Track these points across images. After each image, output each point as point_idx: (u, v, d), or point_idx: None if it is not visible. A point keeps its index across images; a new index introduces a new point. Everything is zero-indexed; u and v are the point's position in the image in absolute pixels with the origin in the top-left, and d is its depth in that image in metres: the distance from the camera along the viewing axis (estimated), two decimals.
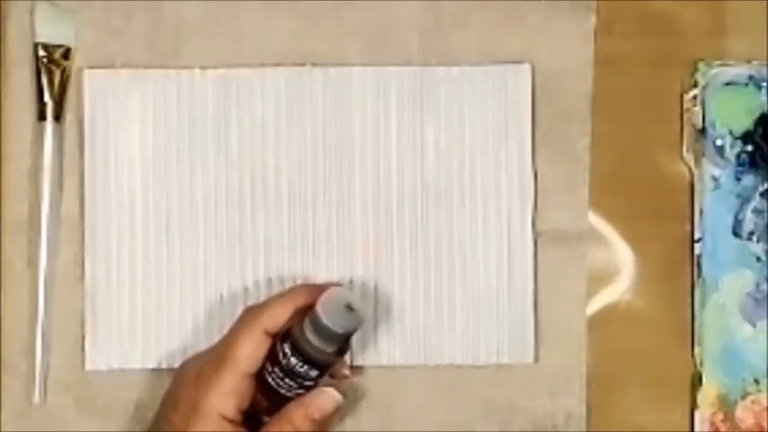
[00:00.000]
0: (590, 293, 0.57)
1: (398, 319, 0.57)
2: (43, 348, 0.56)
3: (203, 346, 0.54)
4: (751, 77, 0.57)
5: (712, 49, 0.57)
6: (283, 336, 0.51)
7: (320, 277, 0.56)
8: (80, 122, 0.57)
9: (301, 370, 0.50)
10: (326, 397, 0.51)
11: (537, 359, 0.57)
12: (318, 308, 0.49)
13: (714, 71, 0.57)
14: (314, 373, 0.50)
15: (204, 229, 0.57)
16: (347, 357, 0.55)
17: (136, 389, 0.56)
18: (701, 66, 0.57)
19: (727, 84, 0.57)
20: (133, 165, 0.57)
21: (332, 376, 0.53)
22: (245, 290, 0.56)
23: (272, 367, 0.50)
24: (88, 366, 0.56)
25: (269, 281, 0.56)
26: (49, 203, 0.56)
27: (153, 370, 0.56)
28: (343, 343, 0.50)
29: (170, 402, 0.52)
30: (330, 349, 0.50)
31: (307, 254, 0.57)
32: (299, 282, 0.56)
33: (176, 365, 0.55)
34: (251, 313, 0.52)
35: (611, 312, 0.57)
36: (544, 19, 0.57)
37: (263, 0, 0.57)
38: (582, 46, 0.57)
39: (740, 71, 0.57)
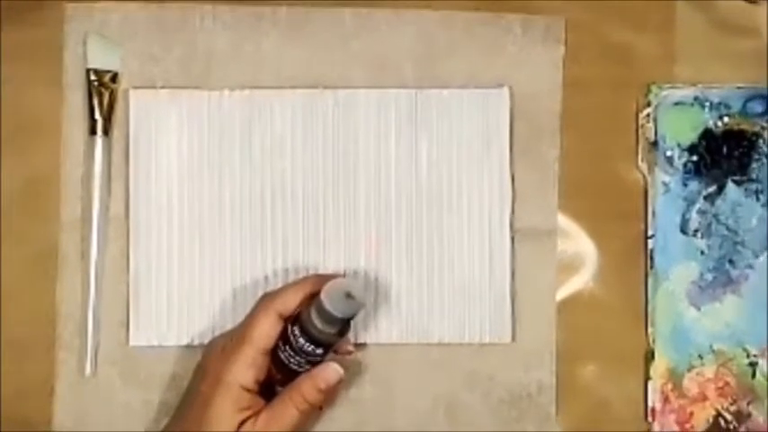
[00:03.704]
0: (559, 282, 0.60)
1: (395, 303, 0.59)
2: (94, 328, 0.59)
3: (229, 326, 0.58)
4: (696, 98, 0.60)
5: (663, 74, 0.60)
6: (293, 319, 0.53)
7: (329, 268, 0.59)
8: (126, 136, 0.59)
9: (308, 348, 0.53)
10: (331, 370, 0.54)
11: (514, 338, 0.59)
12: (322, 295, 0.52)
13: (665, 93, 0.60)
14: (319, 351, 0.53)
15: (231, 227, 0.59)
16: (351, 336, 0.57)
17: (172, 362, 0.59)
18: (654, 88, 0.60)
19: (676, 104, 0.60)
20: (171, 172, 0.59)
21: (337, 352, 0.55)
22: (265, 278, 0.59)
23: (284, 346, 0.53)
24: (132, 343, 0.59)
25: (285, 271, 0.59)
26: (99, 205, 0.59)
27: (186, 346, 0.59)
28: (343, 326, 0.53)
29: (199, 374, 0.55)
30: (332, 331, 0.53)
31: (318, 248, 0.59)
32: (311, 272, 0.59)
33: (206, 342, 0.58)
34: (267, 299, 0.55)
35: (577, 298, 0.60)
36: (520, 49, 0.60)
37: (282, 33, 0.60)
38: (552, 72, 0.60)
39: (687, 93, 0.60)
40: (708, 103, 0.60)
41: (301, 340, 0.53)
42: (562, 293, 0.60)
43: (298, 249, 0.60)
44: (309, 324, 0.53)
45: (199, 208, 0.60)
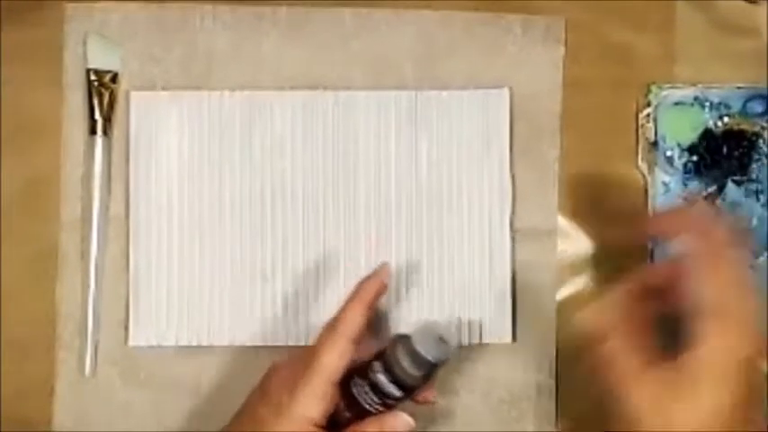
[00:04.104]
0: (559, 282, 0.60)
1: (395, 303, 0.59)
2: (93, 328, 0.59)
3: (227, 327, 0.59)
4: (696, 98, 0.60)
5: (663, 74, 0.60)
6: (377, 354, 0.52)
7: (329, 268, 0.59)
8: (126, 136, 0.60)
9: (388, 389, 0.51)
10: (401, 421, 0.51)
11: (514, 339, 0.59)
12: (414, 336, 0.51)
13: (665, 93, 0.60)
14: (398, 393, 0.51)
15: (230, 227, 0.59)
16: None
17: (172, 362, 0.59)
18: (654, 88, 0.60)
19: (676, 104, 0.60)
20: (171, 172, 0.59)
21: (416, 400, 0.54)
22: (265, 279, 0.59)
23: (361, 380, 0.51)
24: (131, 343, 0.59)
25: (286, 272, 0.59)
26: (99, 205, 0.59)
27: (185, 346, 0.59)
28: (430, 370, 0.51)
29: (261, 398, 0.52)
30: (418, 374, 0.51)
31: (318, 247, 0.59)
32: (310, 273, 0.59)
33: (204, 343, 0.59)
34: (329, 325, 0.52)
35: (577, 298, 0.60)
36: (520, 50, 0.60)
37: (282, 33, 0.60)
38: (552, 72, 0.60)
39: (687, 93, 0.60)
40: (708, 103, 0.61)
41: (382, 378, 0.51)
42: (562, 293, 0.60)
43: (298, 249, 0.60)
44: (395, 362, 0.51)
45: (199, 208, 0.60)
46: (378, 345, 0.53)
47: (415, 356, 0.51)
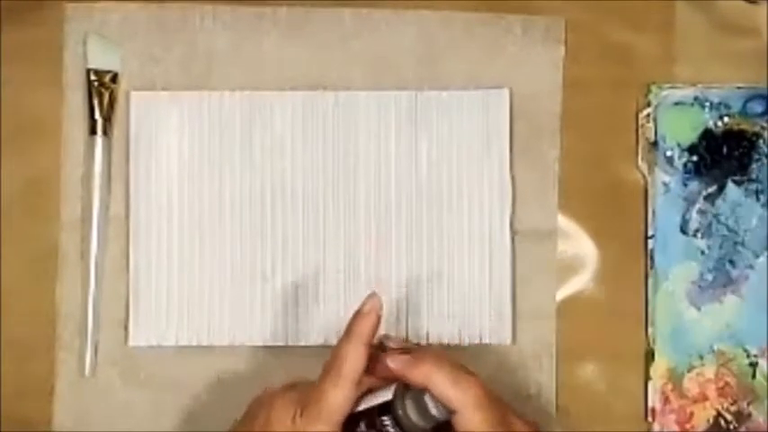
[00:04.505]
0: (559, 283, 0.60)
1: (395, 303, 0.59)
2: (93, 328, 0.59)
3: (227, 327, 0.59)
4: (696, 98, 0.60)
5: (663, 74, 0.60)
6: (382, 408, 0.50)
7: (329, 268, 0.59)
8: (126, 136, 0.60)
9: None
10: None
11: (514, 339, 0.59)
12: (428, 397, 0.49)
13: (665, 93, 0.60)
14: None
15: (231, 227, 0.59)
16: None
17: (172, 362, 0.59)
18: (654, 88, 0.60)
19: (676, 104, 0.60)
20: (171, 172, 0.60)
21: None
22: (266, 279, 0.59)
23: (369, 430, 0.50)
24: (131, 343, 0.59)
25: (286, 272, 0.59)
26: (99, 205, 0.59)
27: (185, 346, 0.59)
28: (441, 426, 0.50)
29: (261, 427, 0.50)
30: (428, 425, 0.49)
31: (318, 247, 0.59)
32: (310, 273, 0.59)
33: (204, 343, 0.59)
34: (332, 367, 0.50)
35: (577, 299, 0.60)
36: (520, 50, 0.60)
37: (283, 33, 0.60)
38: (552, 72, 0.60)
39: (687, 93, 0.60)
40: (708, 103, 0.61)
41: (392, 430, 0.50)
42: (562, 294, 0.60)
43: (298, 249, 0.60)
44: (405, 417, 0.49)
45: (199, 208, 0.60)
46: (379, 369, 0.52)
47: (426, 415, 0.49)
